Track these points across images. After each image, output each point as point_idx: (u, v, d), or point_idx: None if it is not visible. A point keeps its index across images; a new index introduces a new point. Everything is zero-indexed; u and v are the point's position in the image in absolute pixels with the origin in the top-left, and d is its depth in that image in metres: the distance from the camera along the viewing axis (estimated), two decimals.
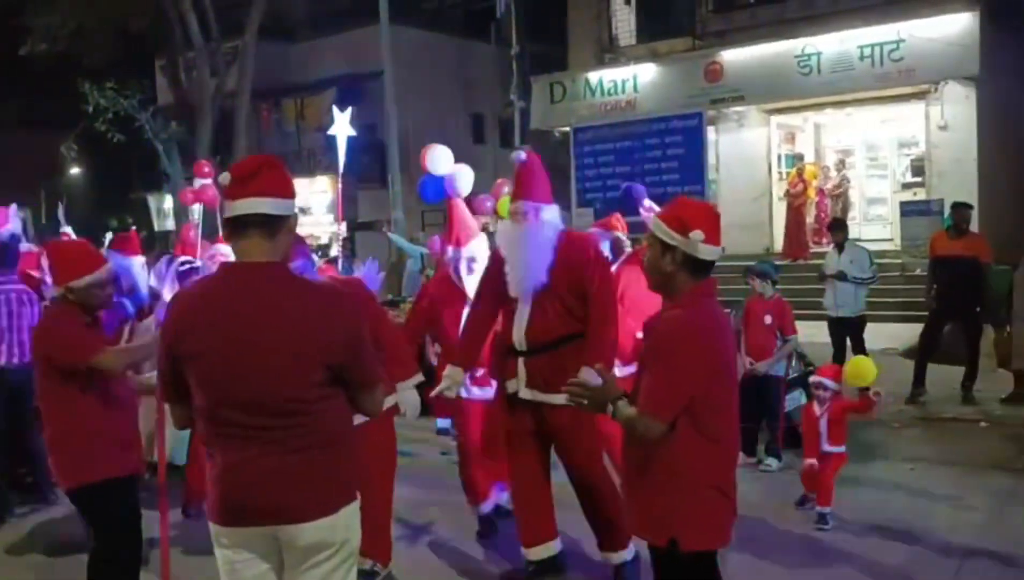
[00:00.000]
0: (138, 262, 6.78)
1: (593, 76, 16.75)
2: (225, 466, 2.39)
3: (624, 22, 17.54)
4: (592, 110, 16.53)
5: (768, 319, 6.49)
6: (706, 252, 2.72)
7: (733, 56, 14.99)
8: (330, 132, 6.60)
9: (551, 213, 4.27)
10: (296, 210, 2.45)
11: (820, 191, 15.63)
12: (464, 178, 5.84)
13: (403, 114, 20.04)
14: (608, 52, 17.47)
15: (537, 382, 4.17)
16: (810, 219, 15.40)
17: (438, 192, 6.03)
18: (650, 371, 2.74)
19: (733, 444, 2.86)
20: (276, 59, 20.88)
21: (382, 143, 22.12)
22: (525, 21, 24.77)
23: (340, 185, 6.63)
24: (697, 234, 2.68)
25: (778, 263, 14.65)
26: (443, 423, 7.41)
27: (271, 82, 20.75)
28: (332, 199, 21.74)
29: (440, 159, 6.00)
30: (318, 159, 22.50)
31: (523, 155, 4.38)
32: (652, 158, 9.00)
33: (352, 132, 6.60)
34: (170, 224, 23.36)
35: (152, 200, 24.69)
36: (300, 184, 21.73)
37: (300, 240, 5.21)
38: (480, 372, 4.80)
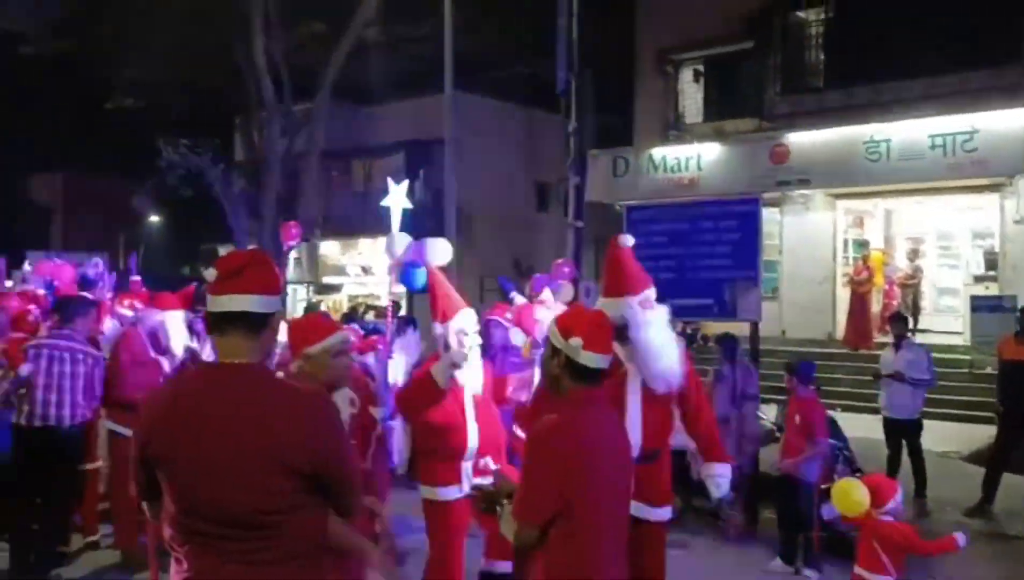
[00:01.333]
0: (178, 317, 6.81)
1: (657, 152, 16.71)
2: (190, 574, 2.28)
3: (691, 100, 17.53)
4: (654, 186, 16.43)
5: (798, 419, 6.31)
6: (588, 359, 2.80)
7: (800, 139, 14.79)
8: (383, 203, 6.55)
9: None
10: (281, 307, 2.38)
11: (889, 280, 15.17)
12: (438, 248, 5.78)
13: (468, 181, 20.27)
14: (673, 129, 17.44)
15: (643, 494, 3.80)
16: (877, 308, 14.92)
17: (415, 275, 5.93)
18: (522, 476, 2.82)
19: (609, 554, 2.80)
20: (347, 121, 21.35)
21: (444, 207, 22.42)
22: (591, 93, 25.10)
23: (395, 260, 6.52)
24: (576, 341, 2.80)
25: (839, 351, 14.33)
26: None
27: (341, 143, 21.21)
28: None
29: (398, 244, 5.99)
30: (384, 221, 22.83)
31: (629, 240, 4.33)
32: (706, 241, 8.76)
33: (408, 205, 6.54)
34: None
35: (222, 251, 25.26)
36: (364, 244, 22.30)
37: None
38: None
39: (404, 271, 5.90)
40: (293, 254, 18.10)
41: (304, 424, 2.25)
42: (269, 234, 16.60)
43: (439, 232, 22.27)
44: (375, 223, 22.89)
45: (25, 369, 5.68)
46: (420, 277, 5.68)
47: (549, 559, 2.73)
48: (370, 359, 6.84)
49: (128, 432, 6.38)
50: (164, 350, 6.47)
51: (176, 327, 6.62)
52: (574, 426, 2.76)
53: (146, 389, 6.29)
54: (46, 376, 5.75)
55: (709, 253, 8.91)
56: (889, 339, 10.22)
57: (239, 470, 2.19)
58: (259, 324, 2.29)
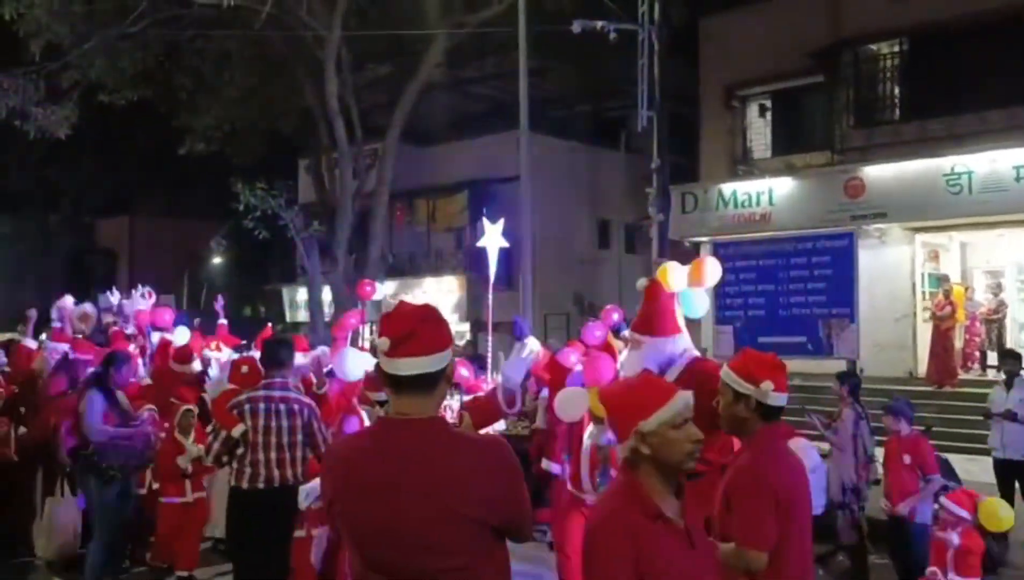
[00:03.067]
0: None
1: (727, 188, 16.57)
2: None
3: (759, 134, 17.43)
4: (724, 222, 16.29)
5: (907, 459, 6.16)
6: (775, 399, 3.12)
7: (876, 172, 14.55)
8: (480, 244, 6.58)
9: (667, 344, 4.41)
10: (451, 358, 2.36)
11: (972, 315, 14.78)
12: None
13: (531, 219, 20.35)
14: (741, 164, 17.33)
15: None
16: (959, 344, 14.52)
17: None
18: (737, 510, 3.07)
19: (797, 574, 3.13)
20: (411, 161, 21.62)
21: (509, 246, 22.46)
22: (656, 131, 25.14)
23: (490, 297, 6.53)
24: (767, 384, 3.10)
25: (923, 389, 13.95)
26: None
27: (405, 183, 21.46)
28: (458, 298, 22.10)
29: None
30: (446, 259, 22.97)
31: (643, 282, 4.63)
32: (798, 278, 8.67)
33: (505, 244, 6.56)
34: (302, 315, 24.16)
35: (286, 292, 25.65)
36: (427, 283, 22.44)
37: None
38: None
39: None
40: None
41: (494, 478, 2.26)
42: (342, 274, 16.78)
43: (502, 269, 22.40)
44: (439, 262, 23.30)
45: (238, 429, 5.04)
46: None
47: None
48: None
49: None
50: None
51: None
52: (779, 461, 3.14)
53: None
54: (264, 434, 5.05)
55: (802, 289, 8.83)
56: (974, 375, 9.92)
57: (422, 528, 2.19)
58: (434, 381, 2.30)
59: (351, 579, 2.36)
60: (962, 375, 13.63)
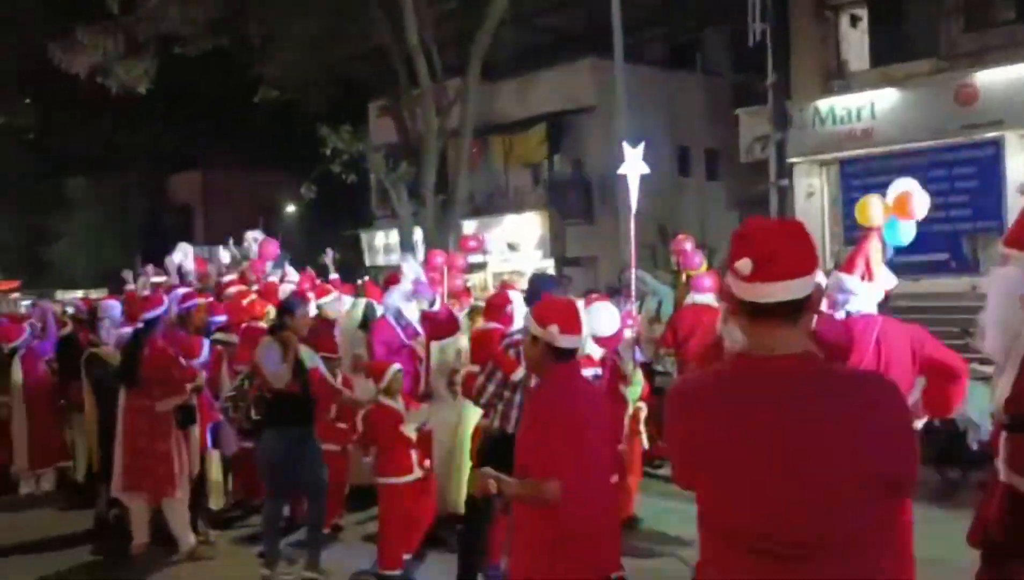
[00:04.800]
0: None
1: (823, 104, 15.81)
2: None
3: (855, 46, 16.50)
4: (821, 140, 15.59)
5: None
6: (564, 341, 3.42)
7: (990, 78, 13.67)
8: (620, 172, 6.22)
9: None
10: (816, 280, 2.01)
11: None
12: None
13: (610, 148, 19.80)
14: (836, 78, 16.46)
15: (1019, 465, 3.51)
16: None
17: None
18: (531, 442, 3.34)
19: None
20: (484, 97, 21.18)
21: (588, 179, 22.01)
22: (732, 49, 24.15)
23: (632, 228, 6.21)
24: (554, 328, 3.40)
25: None
26: None
27: (479, 120, 21.07)
28: (540, 235, 21.77)
29: None
30: (525, 196, 22.61)
31: None
32: (939, 191, 8.11)
33: (646, 169, 6.19)
34: (380, 259, 24.14)
35: (364, 236, 25.64)
36: (509, 221, 22.15)
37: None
38: None
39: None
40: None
41: (892, 422, 1.89)
42: (432, 215, 16.56)
43: (582, 202, 21.98)
44: (519, 199, 22.93)
45: (519, 373, 4.83)
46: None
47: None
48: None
49: None
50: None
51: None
52: (573, 395, 3.39)
53: (407, 375, 6.17)
54: None
55: (943, 204, 8.29)
56: None
57: (816, 487, 1.83)
58: (800, 308, 1.96)
59: (704, 550, 2.02)
60: None
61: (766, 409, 1.88)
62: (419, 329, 6.36)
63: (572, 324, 3.44)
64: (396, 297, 6.48)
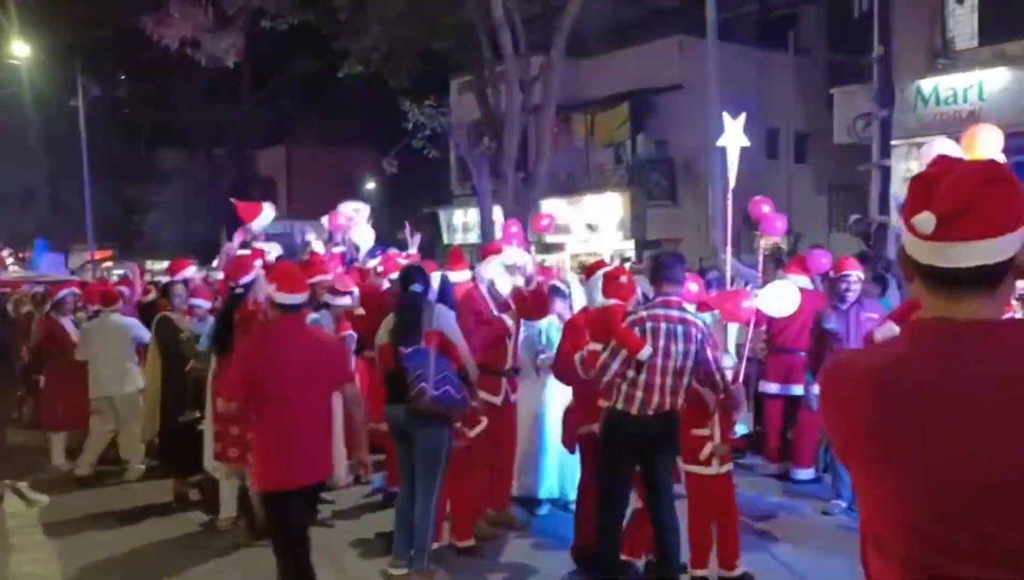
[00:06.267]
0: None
1: (926, 84, 15.01)
2: None
3: (963, 22, 15.59)
4: (925, 122, 14.81)
5: None
6: (281, 298, 4.44)
7: None
8: (719, 143, 5.89)
9: None
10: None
11: None
12: None
13: (696, 129, 19.27)
14: (942, 57, 15.59)
15: None
16: None
17: None
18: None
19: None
20: (565, 74, 20.86)
21: (672, 159, 21.51)
22: (827, 27, 23.26)
23: (729, 205, 5.90)
24: (272, 287, 4.48)
25: None
26: None
27: (562, 97, 20.77)
28: (622, 217, 21.39)
29: None
30: (607, 175, 22.24)
31: None
32: None
33: (746, 142, 5.84)
34: (459, 237, 24.08)
35: (443, 214, 25.61)
36: (589, 201, 21.82)
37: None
38: None
39: None
40: None
41: None
42: (512, 193, 16.36)
43: (665, 183, 21.51)
44: (600, 179, 22.57)
45: (646, 351, 4.71)
46: None
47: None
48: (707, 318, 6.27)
49: (497, 400, 6.05)
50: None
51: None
52: (263, 344, 4.58)
53: (494, 348, 5.98)
54: (663, 357, 4.75)
55: None
56: None
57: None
58: (1001, 274, 1.56)
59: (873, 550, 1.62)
60: None
61: (964, 384, 1.50)
62: (511, 303, 6.16)
63: None
64: (492, 268, 6.24)
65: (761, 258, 7.83)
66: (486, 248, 6.69)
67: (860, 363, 1.67)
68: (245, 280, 6.09)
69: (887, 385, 1.56)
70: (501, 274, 6.07)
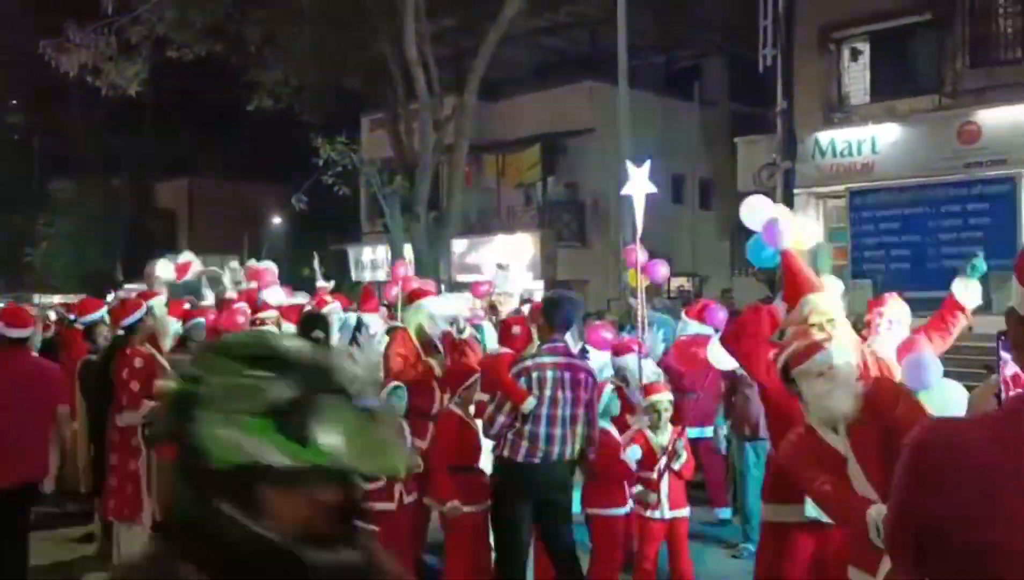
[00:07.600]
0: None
1: (823, 136, 15.67)
2: None
3: (857, 79, 16.41)
4: (821, 173, 15.45)
5: None
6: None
7: (993, 116, 13.59)
8: (624, 191, 5.94)
9: None
10: None
11: None
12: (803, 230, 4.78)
13: (605, 173, 19.61)
14: (838, 111, 16.35)
15: None
16: None
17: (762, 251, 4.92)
18: None
19: None
20: (478, 115, 20.99)
21: (582, 201, 21.80)
22: (730, 79, 24.11)
23: (637, 252, 5.95)
24: None
25: None
26: None
27: (474, 137, 20.86)
28: (532, 256, 21.50)
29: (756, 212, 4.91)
30: (518, 216, 22.37)
31: None
32: (951, 227, 7.91)
33: (652, 189, 5.90)
34: (367, 275, 23.77)
35: (351, 251, 25.28)
36: (499, 240, 21.87)
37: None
38: None
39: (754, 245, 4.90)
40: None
41: None
42: (424, 232, 16.24)
43: (575, 224, 21.76)
44: (511, 220, 22.67)
45: (529, 403, 4.59)
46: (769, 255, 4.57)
47: None
48: (628, 361, 6.27)
49: (424, 445, 5.80)
50: None
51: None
52: None
53: (423, 395, 5.79)
54: (549, 406, 4.60)
55: (955, 240, 8.09)
56: None
57: None
58: None
59: None
60: None
61: None
62: (440, 346, 6.01)
63: None
64: (421, 316, 6.07)
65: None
66: (412, 293, 6.52)
67: (969, 445, 1.43)
68: (128, 321, 6.08)
69: (982, 472, 1.37)
70: (429, 321, 5.93)
